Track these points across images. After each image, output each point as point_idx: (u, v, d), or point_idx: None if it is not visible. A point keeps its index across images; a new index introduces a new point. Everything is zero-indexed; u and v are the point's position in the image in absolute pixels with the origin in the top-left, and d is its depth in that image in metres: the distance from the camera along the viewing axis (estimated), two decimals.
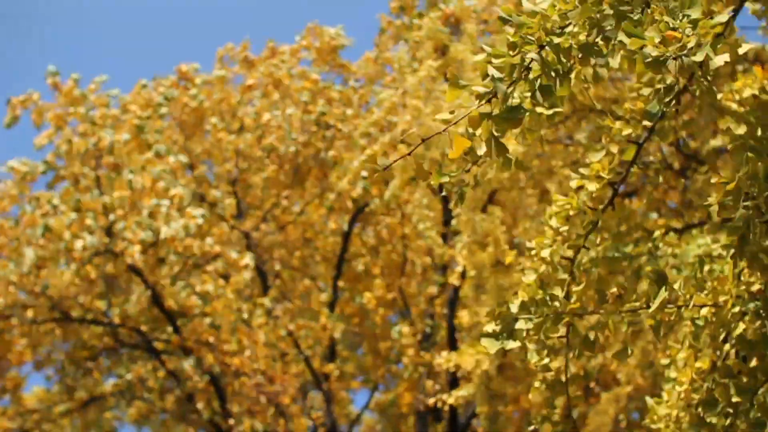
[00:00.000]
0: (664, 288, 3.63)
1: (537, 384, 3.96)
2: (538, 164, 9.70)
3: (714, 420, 3.53)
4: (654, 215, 9.25)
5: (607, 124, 3.95)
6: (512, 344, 3.55)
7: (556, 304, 3.62)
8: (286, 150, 13.34)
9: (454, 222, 9.56)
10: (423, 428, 13.76)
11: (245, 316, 12.38)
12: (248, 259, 12.61)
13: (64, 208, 11.95)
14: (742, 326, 3.55)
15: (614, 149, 3.89)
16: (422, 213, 10.15)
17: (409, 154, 2.49)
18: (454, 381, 12.26)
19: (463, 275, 10.87)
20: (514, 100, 2.37)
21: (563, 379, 3.92)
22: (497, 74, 2.35)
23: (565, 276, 3.88)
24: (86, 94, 13.13)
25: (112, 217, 11.87)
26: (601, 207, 3.89)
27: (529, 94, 2.29)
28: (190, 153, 14.23)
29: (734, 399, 3.43)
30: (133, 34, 34.86)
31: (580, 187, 3.93)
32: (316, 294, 14.11)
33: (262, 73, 14.04)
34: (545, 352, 3.77)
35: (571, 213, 3.91)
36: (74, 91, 13.17)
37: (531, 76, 2.40)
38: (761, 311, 3.44)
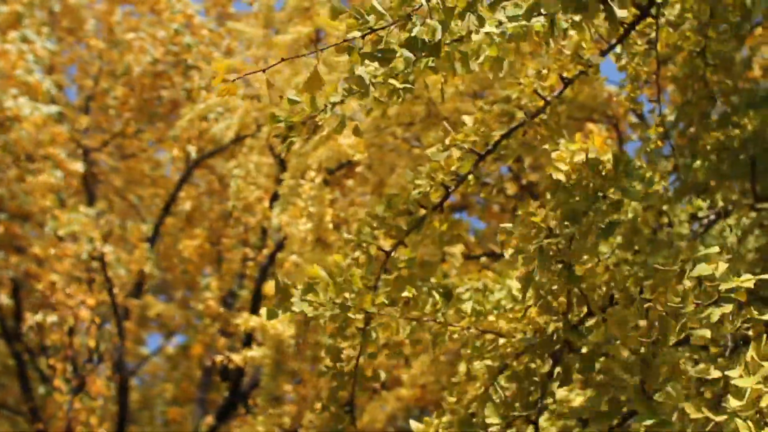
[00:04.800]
0: (448, 302, 3.83)
1: (323, 367, 3.97)
2: (379, 156, 9.77)
3: None
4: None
5: (453, 134, 4.05)
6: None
7: (351, 296, 3.64)
8: (141, 71, 13.06)
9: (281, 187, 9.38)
10: (206, 385, 13.77)
11: (55, 227, 12.03)
12: (79, 166, 12.16)
13: None
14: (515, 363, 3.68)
15: (456, 154, 3.94)
16: (250, 168, 9.98)
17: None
18: (248, 343, 12.17)
19: (281, 244, 10.87)
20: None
21: (349, 371, 3.93)
22: (380, 8, 2.43)
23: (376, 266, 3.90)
24: None
25: None
26: (431, 207, 3.92)
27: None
28: (54, 56, 13.92)
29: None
30: None
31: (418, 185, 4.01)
32: (138, 227, 13.95)
33: None
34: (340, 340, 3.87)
35: (401, 207, 3.93)
36: None
37: (408, 26, 2.48)
38: (538, 349, 3.58)
